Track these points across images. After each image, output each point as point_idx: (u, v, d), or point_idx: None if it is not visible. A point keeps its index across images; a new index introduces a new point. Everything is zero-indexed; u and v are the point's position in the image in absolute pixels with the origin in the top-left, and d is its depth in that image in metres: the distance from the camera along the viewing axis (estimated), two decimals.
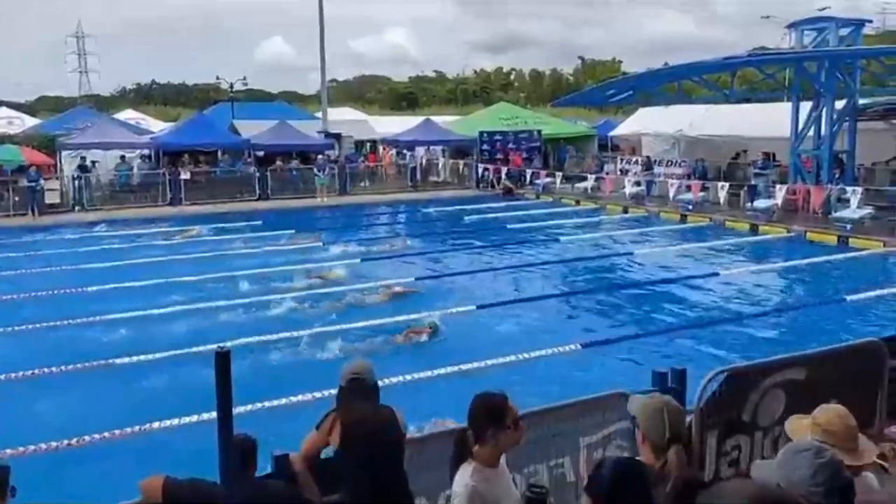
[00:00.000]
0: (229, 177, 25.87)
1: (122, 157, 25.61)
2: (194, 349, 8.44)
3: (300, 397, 7.07)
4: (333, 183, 26.09)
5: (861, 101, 20.13)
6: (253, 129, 28.42)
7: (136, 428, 6.53)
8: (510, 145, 29.57)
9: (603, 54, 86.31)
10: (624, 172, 25.82)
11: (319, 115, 31.97)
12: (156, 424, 6.59)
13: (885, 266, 14.10)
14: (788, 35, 20.81)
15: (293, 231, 18.17)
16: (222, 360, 2.49)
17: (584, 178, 25.38)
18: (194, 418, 6.26)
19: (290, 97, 62.86)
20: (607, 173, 26.10)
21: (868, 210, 16.83)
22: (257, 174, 25.47)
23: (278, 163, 26.71)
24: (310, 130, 29.19)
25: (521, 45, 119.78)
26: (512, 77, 77.83)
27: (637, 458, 2.94)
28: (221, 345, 2.65)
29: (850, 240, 15.65)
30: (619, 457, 3.09)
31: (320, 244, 16.79)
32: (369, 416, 3.58)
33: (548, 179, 26.45)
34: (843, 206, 17.23)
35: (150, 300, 11.11)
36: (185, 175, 24.31)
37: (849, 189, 17.44)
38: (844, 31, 18.96)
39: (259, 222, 20.42)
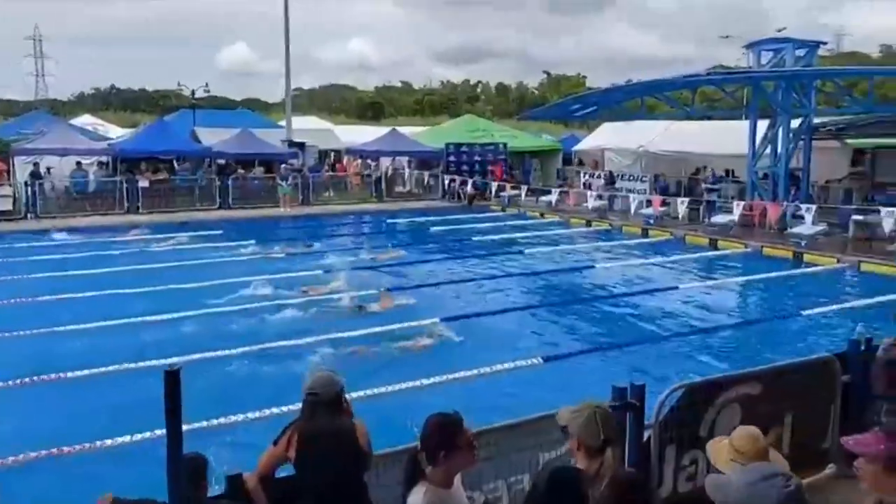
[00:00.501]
0: (189, 185, 25.44)
1: (78, 164, 24.98)
2: (144, 363, 8.24)
3: (259, 413, 6.93)
4: (297, 192, 25.86)
5: (816, 121, 20.69)
6: (215, 136, 28.06)
7: (86, 445, 6.33)
8: (477, 157, 29.69)
9: (568, 69, 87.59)
10: (587, 186, 26.12)
11: (283, 123, 31.70)
12: (108, 441, 6.41)
13: (838, 281, 14.44)
14: (747, 55, 21.33)
15: (255, 241, 17.90)
16: (171, 379, 2.41)
17: (549, 192, 25.62)
18: (147, 435, 6.08)
19: (253, 105, 62.27)
20: (571, 187, 26.38)
21: (822, 227, 17.24)
22: (218, 183, 25.11)
23: (240, 171, 26.38)
24: (273, 139, 28.91)
25: (488, 58, 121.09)
26: (478, 89, 78.39)
27: (573, 465, 2.98)
28: (172, 363, 2.60)
29: (805, 255, 16.01)
30: (555, 466, 3.12)
31: (283, 255, 16.61)
32: (326, 432, 3.52)
33: (513, 192, 26.62)
34: (799, 223, 17.61)
35: (104, 311, 10.80)
36: (143, 183, 23.84)
37: (804, 206, 17.85)
38: (801, 52, 19.49)
39: (219, 232, 20.11)
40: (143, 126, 31.44)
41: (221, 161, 26.73)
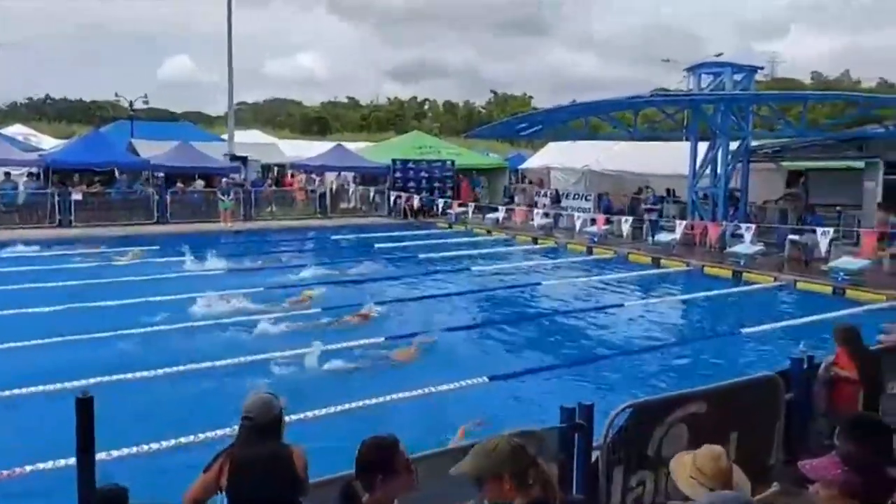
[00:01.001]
0: (126, 198, 24.60)
1: (7, 175, 23.93)
2: (59, 385, 7.77)
3: (191, 438, 6.59)
4: (238, 207, 25.28)
5: (753, 143, 21.34)
6: (153, 149, 27.29)
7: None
8: (423, 174, 29.64)
9: (515, 89, 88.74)
10: (534, 204, 26.35)
11: (226, 136, 31.08)
12: (27, 468, 5.97)
13: (776, 300, 14.78)
14: (688, 78, 21.89)
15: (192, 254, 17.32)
16: (84, 407, 2.21)
17: (496, 209, 25.73)
18: (62, 463, 5.65)
19: (194, 118, 60.88)
20: (518, 205, 26.55)
21: (760, 246, 17.69)
22: (156, 196, 24.36)
23: (179, 185, 25.66)
24: (215, 152, 28.28)
25: (436, 76, 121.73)
26: (426, 107, 78.64)
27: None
28: (84, 390, 2.39)
29: (744, 274, 16.37)
30: None
31: (223, 271, 16.13)
32: (261, 458, 3.36)
33: (459, 209, 26.63)
34: (738, 242, 18.03)
35: (24, 330, 10.18)
36: (76, 195, 22.96)
37: (742, 226, 18.30)
38: (738, 77, 20.09)
39: (157, 247, 19.44)
40: (78, 137, 30.34)
41: (160, 174, 25.97)
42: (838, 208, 20.24)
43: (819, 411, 5.92)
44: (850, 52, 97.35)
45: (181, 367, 8.78)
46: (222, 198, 24.49)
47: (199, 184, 26.09)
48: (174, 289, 13.44)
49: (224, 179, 25.86)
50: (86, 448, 2.06)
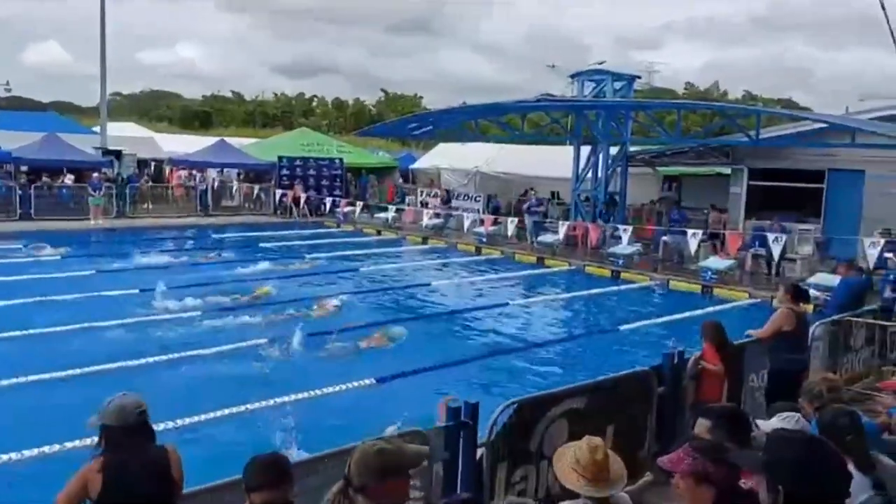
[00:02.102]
0: None
1: None
2: None
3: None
4: (110, 204, 23.83)
5: (631, 149, 22.39)
6: (16, 140, 25.23)
7: None
8: (311, 171, 29.07)
9: (405, 88, 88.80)
10: (424, 205, 26.45)
11: (98, 129, 29.25)
12: None
13: (652, 298, 15.55)
14: (572, 84, 22.65)
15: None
16: None
17: (385, 209, 25.64)
18: None
19: (64, 108, 56.87)
20: (408, 205, 26.57)
21: (637, 247, 18.56)
22: (19, 191, 22.57)
23: (45, 179, 23.90)
24: (85, 145, 26.56)
25: (325, 73, 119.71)
26: (314, 103, 77.03)
27: None
28: None
29: (622, 273, 17.14)
30: None
31: (91, 273, 15.11)
32: (134, 462, 3.24)
33: (348, 209, 26.34)
34: (616, 243, 18.84)
35: None
36: None
37: (620, 227, 19.14)
38: (618, 85, 21.03)
39: (19, 246, 17.99)
40: None
41: (24, 167, 24.09)
42: (706, 210, 21.64)
43: (688, 403, 6.24)
44: (719, 66, 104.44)
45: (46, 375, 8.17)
46: (93, 193, 23.01)
47: (69, 178, 24.41)
48: (35, 290, 12.50)
49: (95, 174, 24.31)
50: None
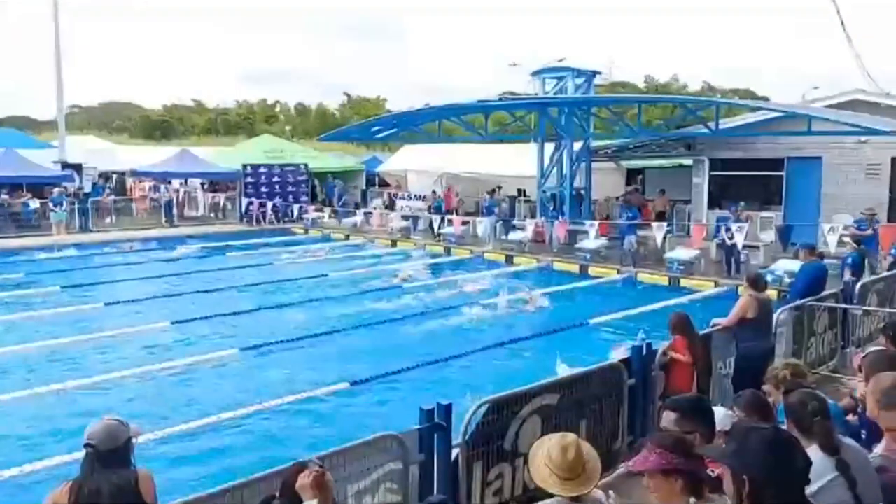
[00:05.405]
0: None
1: None
2: None
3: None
4: (73, 219, 23.38)
5: (594, 144, 22.60)
6: None
7: None
8: (276, 178, 28.84)
9: (368, 92, 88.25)
10: (392, 207, 26.42)
11: (57, 143, 28.67)
12: None
13: (619, 291, 15.72)
14: (534, 82, 22.78)
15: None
16: None
17: (353, 213, 25.55)
18: None
19: (19, 123, 55.54)
20: (375, 208, 26.51)
21: (604, 241, 18.71)
22: None
23: (4, 197, 23.37)
24: (44, 160, 26.04)
25: (286, 78, 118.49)
26: (277, 109, 76.28)
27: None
28: None
29: (590, 268, 17.29)
30: None
31: (56, 289, 14.83)
32: (105, 489, 3.18)
33: (316, 214, 26.19)
34: (583, 238, 18.98)
35: None
36: None
37: (587, 222, 19.30)
38: (580, 80, 21.21)
39: None
40: None
41: None
42: (653, 199, 21.96)
43: (657, 394, 6.33)
44: (677, 58, 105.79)
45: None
46: (54, 208, 22.55)
47: (28, 195, 23.89)
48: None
49: (56, 189, 23.83)
50: None
